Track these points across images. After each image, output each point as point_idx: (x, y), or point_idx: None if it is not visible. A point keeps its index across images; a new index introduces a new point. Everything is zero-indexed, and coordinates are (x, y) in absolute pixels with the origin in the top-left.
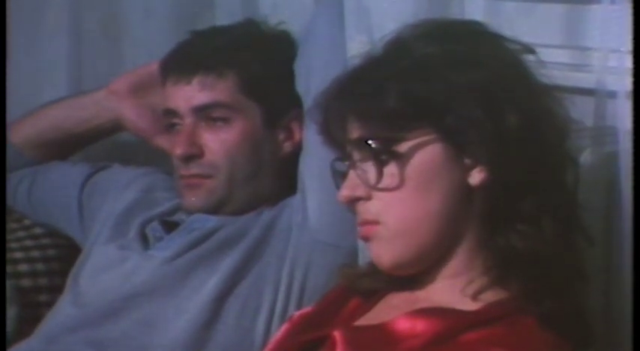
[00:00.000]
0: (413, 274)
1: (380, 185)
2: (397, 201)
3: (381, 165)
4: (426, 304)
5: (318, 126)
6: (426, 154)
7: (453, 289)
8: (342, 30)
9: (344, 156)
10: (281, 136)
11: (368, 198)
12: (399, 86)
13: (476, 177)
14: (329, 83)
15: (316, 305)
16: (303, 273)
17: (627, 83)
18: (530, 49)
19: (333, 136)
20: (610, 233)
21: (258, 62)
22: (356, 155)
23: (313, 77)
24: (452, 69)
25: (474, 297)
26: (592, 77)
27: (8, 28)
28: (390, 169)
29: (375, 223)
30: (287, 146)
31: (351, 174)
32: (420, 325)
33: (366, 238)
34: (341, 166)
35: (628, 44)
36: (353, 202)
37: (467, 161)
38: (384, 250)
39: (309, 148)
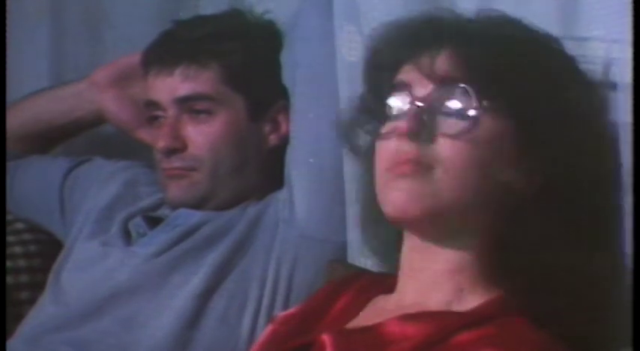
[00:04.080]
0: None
1: (465, 137)
2: (466, 157)
3: (474, 117)
4: (417, 307)
5: (383, 45)
6: (506, 136)
7: (447, 286)
8: (330, 20)
9: (380, 90)
10: (267, 129)
11: (430, 140)
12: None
13: (520, 182)
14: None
15: (302, 306)
16: (290, 269)
17: (629, 75)
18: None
19: (391, 64)
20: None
21: (243, 53)
22: (434, 92)
23: (300, 68)
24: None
25: (467, 297)
26: (592, 69)
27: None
28: (480, 123)
29: (430, 166)
30: (273, 139)
31: (417, 111)
32: (411, 328)
33: (409, 173)
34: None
35: (629, 35)
36: (412, 136)
37: (521, 160)
38: (421, 191)
39: (295, 141)
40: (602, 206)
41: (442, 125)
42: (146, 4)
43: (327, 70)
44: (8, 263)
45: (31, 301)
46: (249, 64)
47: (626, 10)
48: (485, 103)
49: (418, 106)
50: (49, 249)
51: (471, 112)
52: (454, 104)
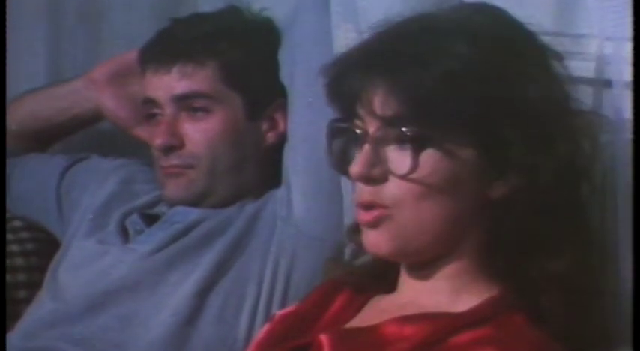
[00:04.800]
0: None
1: (412, 176)
2: (418, 193)
3: (417, 154)
4: (415, 308)
5: (332, 80)
6: (460, 158)
7: (444, 290)
8: (328, 18)
9: (347, 119)
10: (264, 127)
11: (383, 180)
12: (453, 92)
13: (498, 190)
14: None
15: (299, 305)
16: (287, 267)
17: (624, 72)
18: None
19: (346, 98)
20: (605, 222)
21: (240, 51)
22: (378, 131)
23: (298, 67)
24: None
25: (466, 297)
26: (587, 65)
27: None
28: (424, 158)
29: (387, 207)
30: (270, 137)
31: (368, 150)
32: (409, 329)
33: (371, 223)
34: (342, 128)
35: (625, 32)
36: (364, 180)
37: (491, 172)
38: (388, 236)
39: (293, 139)
40: (583, 199)
41: (391, 163)
42: (144, 1)
43: None
44: (6, 261)
45: (29, 300)
46: (247, 62)
47: (624, 8)
48: (424, 139)
49: (366, 147)
50: (47, 247)
51: (411, 153)
52: (396, 144)
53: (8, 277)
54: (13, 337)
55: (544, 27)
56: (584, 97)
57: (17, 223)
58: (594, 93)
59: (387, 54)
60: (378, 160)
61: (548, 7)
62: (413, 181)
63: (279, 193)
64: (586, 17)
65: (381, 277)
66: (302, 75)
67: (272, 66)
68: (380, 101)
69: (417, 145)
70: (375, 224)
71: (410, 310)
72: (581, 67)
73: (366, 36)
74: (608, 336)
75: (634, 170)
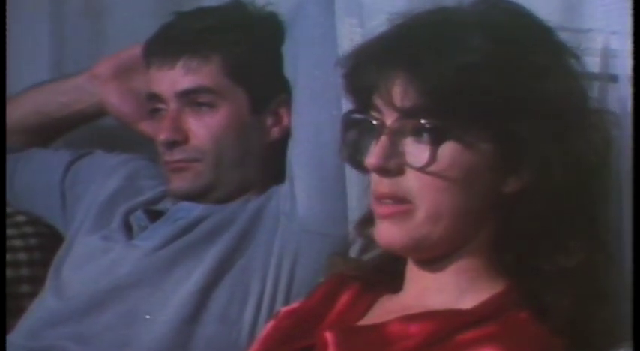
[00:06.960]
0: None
1: (430, 168)
2: (436, 186)
3: (436, 146)
4: (421, 309)
5: (350, 70)
6: (478, 151)
7: (451, 287)
8: (332, 12)
9: (363, 110)
10: (269, 122)
11: (400, 173)
12: (471, 84)
13: (512, 186)
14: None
15: (304, 302)
16: (291, 263)
17: (630, 67)
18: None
19: (363, 89)
20: (610, 219)
21: (245, 45)
22: (396, 123)
23: (301, 61)
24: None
25: (471, 294)
26: (592, 60)
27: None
28: (442, 150)
29: (406, 201)
30: (275, 132)
31: (385, 141)
32: (414, 327)
33: (387, 216)
34: (358, 119)
35: (630, 26)
36: (380, 172)
37: (506, 167)
38: (404, 230)
39: (297, 134)
40: (594, 196)
41: (408, 156)
42: None
43: (328, 63)
44: (8, 256)
45: (32, 295)
46: (251, 56)
47: (627, 3)
48: (443, 131)
49: (383, 138)
50: (50, 242)
51: (429, 145)
52: (414, 136)
53: (11, 272)
54: (16, 337)
55: (549, 22)
56: (590, 92)
57: (20, 218)
58: (599, 88)
59: (407, 45)
60: (394, 151)
61: (553, 1)
62: (430, 173)
63: (283, 188)
64: (591, 12)
65: (388, 272)
66: (306, 70)
67: (276, 60)
68: (399, 92)
69: (436, 137)
70: (391, 217)
71: (416, 311)
72: (586, 62)
73: (369, 30)
74: (611, 333)
75: (634, 165)
